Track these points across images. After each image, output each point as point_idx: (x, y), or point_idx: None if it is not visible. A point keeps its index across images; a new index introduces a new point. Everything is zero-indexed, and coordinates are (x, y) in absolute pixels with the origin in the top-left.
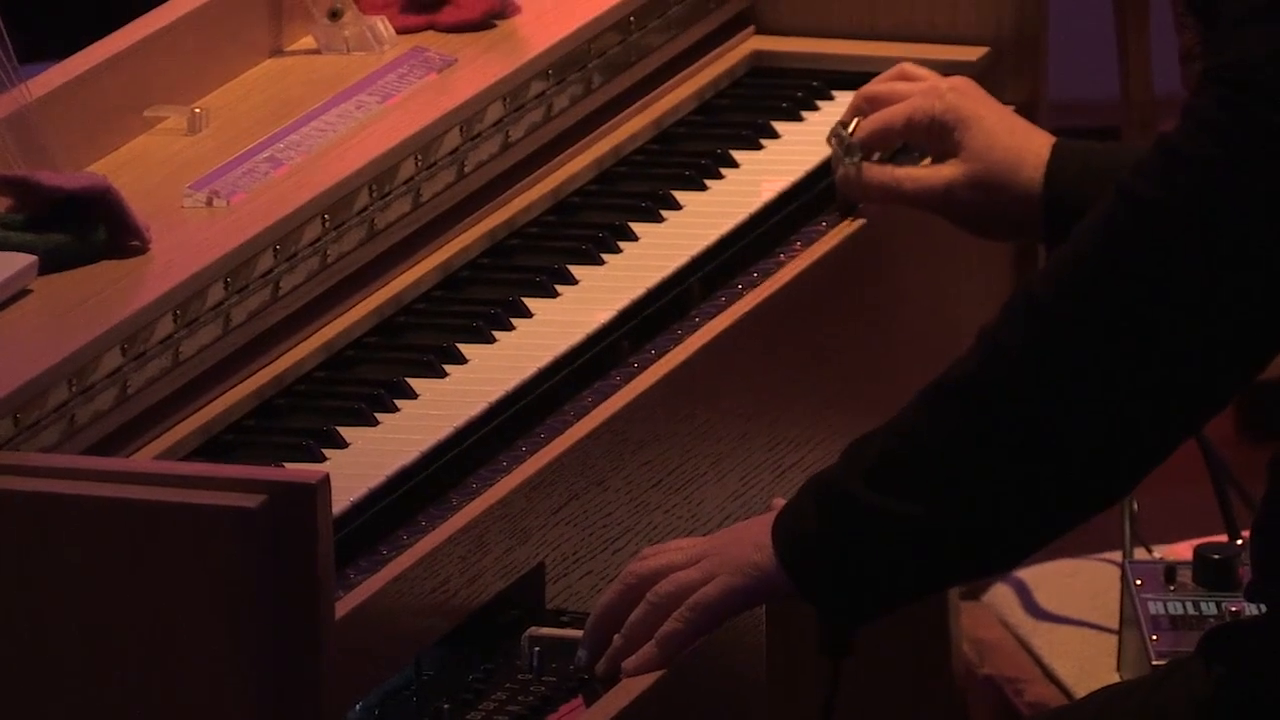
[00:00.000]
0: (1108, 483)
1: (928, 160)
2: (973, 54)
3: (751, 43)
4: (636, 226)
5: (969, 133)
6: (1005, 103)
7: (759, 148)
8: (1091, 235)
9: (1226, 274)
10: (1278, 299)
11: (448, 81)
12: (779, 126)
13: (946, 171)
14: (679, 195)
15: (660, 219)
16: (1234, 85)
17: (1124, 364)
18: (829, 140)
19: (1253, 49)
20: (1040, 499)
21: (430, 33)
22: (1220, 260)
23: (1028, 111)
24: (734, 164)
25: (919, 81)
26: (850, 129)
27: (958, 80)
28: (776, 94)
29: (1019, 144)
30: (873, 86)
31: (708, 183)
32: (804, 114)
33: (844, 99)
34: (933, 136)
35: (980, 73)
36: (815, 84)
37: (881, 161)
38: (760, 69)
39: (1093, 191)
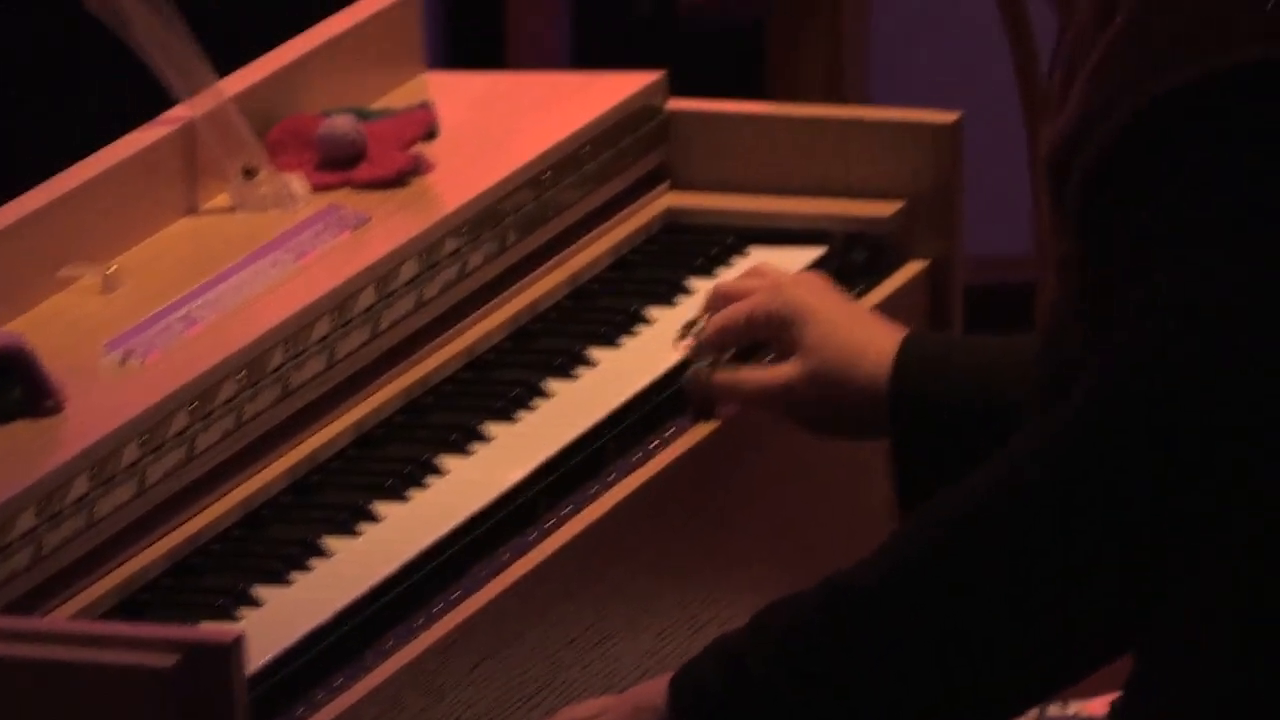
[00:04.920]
0: (1013, 701)
1: (771, 357)
2: (888, 209)
3: (666, 199)
4: (551, 384)
5: (805, 328)
6: (920, 258)
7: (674, 304)
8: (975, 497)
9: (1105, 547)
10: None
11: (362, 239)
12: (693, 283)
13: (785, 369)
14: (593, 352)
15: (574, 376)
16: (1120, 392)
17: (1021, 607)
18: (675, 341)
19: (1142, 351)
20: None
21: (346, 190)
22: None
23: (943, 267)
24: (648, 320)
25: (766, 279)
26: (698, 327)
27: (804, 275)
28: (691, 250)
29: (860, 338)
30: (723, 283)
31: (622, 339)
32: (718, 270)
33: (759, 254)
34: (772, 333)
35: (896, 228)
36: (730, 240)
37: (734, 361)
38: (675, 225)
39: (942, 388)
